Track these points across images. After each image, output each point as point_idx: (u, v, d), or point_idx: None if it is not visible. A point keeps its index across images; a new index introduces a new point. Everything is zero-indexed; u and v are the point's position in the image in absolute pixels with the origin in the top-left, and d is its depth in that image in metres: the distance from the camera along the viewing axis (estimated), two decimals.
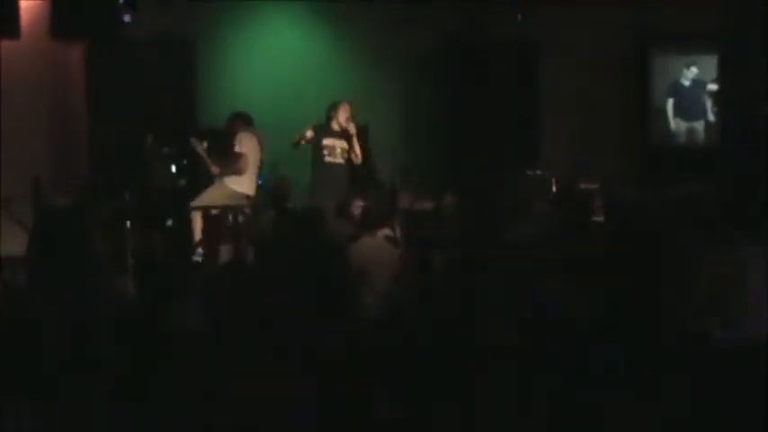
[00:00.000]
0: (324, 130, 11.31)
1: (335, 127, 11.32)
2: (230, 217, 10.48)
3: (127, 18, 11.68)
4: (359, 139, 11.35)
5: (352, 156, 11.35)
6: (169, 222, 11.00)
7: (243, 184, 11.07)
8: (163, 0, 12.27)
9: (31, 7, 11.22)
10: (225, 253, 10.10)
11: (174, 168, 11.40)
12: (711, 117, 14.01)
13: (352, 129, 11.27)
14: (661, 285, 6.92)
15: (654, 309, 6.83)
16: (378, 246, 8.11)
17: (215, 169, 11.09)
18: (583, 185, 11.62)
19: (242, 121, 11.26)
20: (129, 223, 9.84)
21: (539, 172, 12.60)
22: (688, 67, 14.12)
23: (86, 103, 12.37)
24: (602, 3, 13.47)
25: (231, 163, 11.03)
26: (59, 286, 6.56)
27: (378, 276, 7.74)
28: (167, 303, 7.10)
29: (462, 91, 13.79)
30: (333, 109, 11.35)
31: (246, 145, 11.10)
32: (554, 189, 12.18)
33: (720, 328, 6.42)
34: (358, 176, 11.54)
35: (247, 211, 10.73)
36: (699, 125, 14.20)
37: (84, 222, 7.58)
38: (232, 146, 11.04)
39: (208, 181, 11.17)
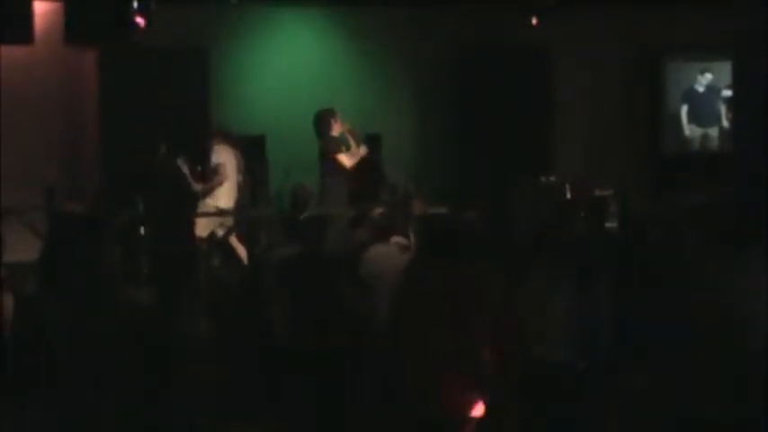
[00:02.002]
0: (331, 139, 11.35)
1: (336, 133, 11.38)
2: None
3: (141, 24, 11.70)
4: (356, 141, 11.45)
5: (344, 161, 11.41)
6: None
7: (221, 198, 11.19)
8: (177, 7, 12.26)
9: (44, 13, 11.24)
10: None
11: (187, 175, 11.39)
12: (726, 123, 13.96)
13: (352, 136, 11.39)
14: (674, 292, 6.89)
15: (667, 315, 6.80)
16: (389, 253, 8.07)
17: (197, 186, 11.16)
18: (597, 192, 11.58)
19: (222, 135, 11.39)
20: (142, 230, 9.86)
21: (552, 178, 12.57)
22: (702, 73, 14.09)
23: (99, 109, 12.37)
24: (616, 9, 13.44)
25: (210, 176, 11.19)
26: (72, 294, 6.55)
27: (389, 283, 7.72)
28: (181, 311, 7.10)
29: (475, 98, 13.76)
30: (331, 116, 11.36)
31: (223, 156, 11.27)
32: (568, 195, 12.15)
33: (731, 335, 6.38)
34: (371, 184, 11.54)
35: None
36: (713, 131, 14.16)
37: (97, 230, 7.57)
38: (210, 159, 11.18)
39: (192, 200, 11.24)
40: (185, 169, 11.20)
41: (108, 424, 6.38)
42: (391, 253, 8.08)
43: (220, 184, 11.24)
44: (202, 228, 10.87)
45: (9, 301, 6.68)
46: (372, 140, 12.18)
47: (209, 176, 11.24)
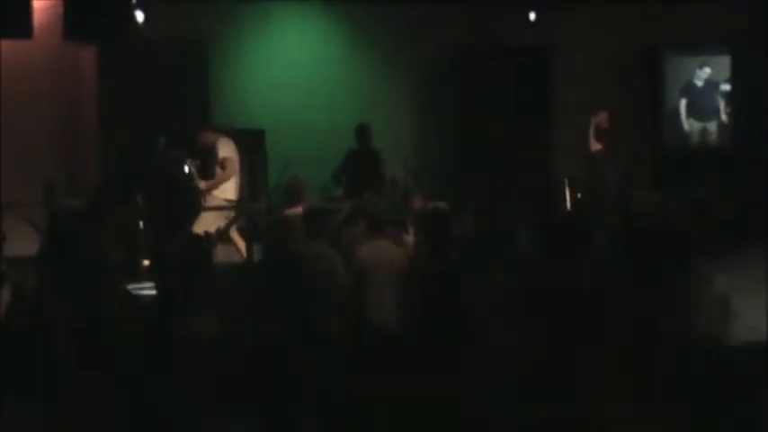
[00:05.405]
0: None
1: None
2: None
3: (140, 19, 11.70)
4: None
5: None
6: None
7: (229, 191, 11.19)
8: (176, 2, 12.27)
9: (43, 8, 11.24)
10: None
11: (186, 170, 11.40)
12: (724, 117, 13.97)
13: None
14: (671, 286, 6.91)
15: (663, 311, 6.82)
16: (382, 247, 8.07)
17: (203, 185, 11.16)
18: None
19: (221, 130, 11.39)
20: (141, 225, 9.87)
21: (550, 174, 12.60)
22: (701, 67, 14.08)
23: (98, 104, 12.36)
24: (615, 4, 13.45)
25: (221, 169, 11.14)
26: (71, 288, 6.56)
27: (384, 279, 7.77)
28: (180, 307, 7.11)
29: (475, 93, 13.76)
30: None
31: (229, 149, 11.22)
32: (567, 189, 12.17)
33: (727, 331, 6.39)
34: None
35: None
36: (712, 126, 14.16)
37: (96, 225, 7.58)
38: (215, 155, 11.15)
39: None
40: (189, 167, 11.20)
41: (107, 420, 6.39)
42: (385, 247, 8.08)
43: (228, 178, 11.22)
44: (211, 221, 10.88)
45: (8, 295, 6.68)
46: (361, 131, 12.23)
47: (214, 171, 11.22)
